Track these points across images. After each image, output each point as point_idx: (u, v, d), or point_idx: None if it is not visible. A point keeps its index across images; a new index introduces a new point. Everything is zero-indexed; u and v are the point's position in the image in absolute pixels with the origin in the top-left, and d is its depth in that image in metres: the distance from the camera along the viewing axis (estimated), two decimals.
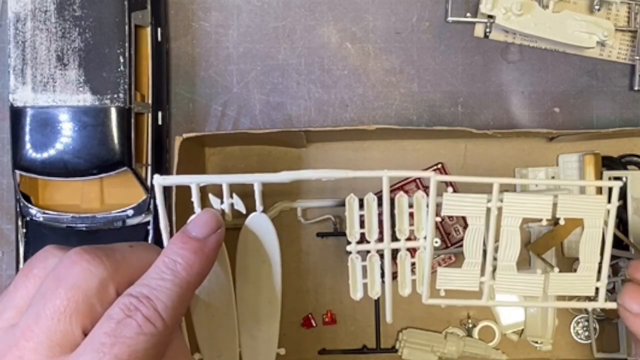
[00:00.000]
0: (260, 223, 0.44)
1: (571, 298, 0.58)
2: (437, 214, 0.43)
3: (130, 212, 0.58)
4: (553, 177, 0.61)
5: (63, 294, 0.34)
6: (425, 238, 0.43)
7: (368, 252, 0.45)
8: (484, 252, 0.43)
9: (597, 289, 0.45)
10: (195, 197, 0.42)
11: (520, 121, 0.62)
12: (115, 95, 0.56)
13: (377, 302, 0.61)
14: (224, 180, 0.42)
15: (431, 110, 0.62)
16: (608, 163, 0.60)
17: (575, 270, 0.60)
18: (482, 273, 0.44)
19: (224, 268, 0.44)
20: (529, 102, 0.62)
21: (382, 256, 0.45)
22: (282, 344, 0.63)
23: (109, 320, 0.34)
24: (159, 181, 0.41)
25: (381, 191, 0.62)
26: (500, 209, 0.42)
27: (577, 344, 0.62)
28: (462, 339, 0.61)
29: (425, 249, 0.43)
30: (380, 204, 0.44)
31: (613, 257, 0.59)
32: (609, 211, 0.42)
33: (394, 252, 0.45)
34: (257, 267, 0.44)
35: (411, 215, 0.44)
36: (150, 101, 0.59)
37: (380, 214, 0.44)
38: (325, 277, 0.62)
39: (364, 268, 0.45)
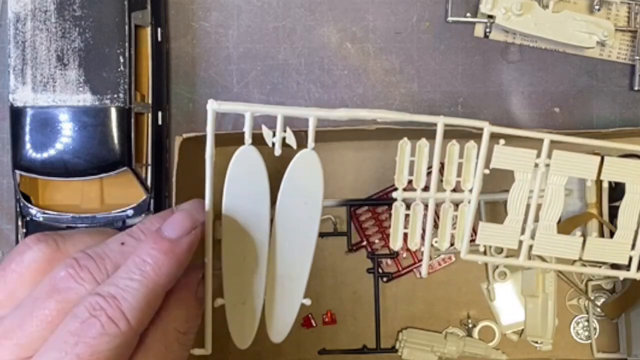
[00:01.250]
0: (309, 160, 0.42)
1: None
2: (486, 167, 0.43)
3: (130, 212, 0.58)
4: None
5: (53, 306, 0.35)
6: (470, 191, 0.42)
7: (409, 204, 0.44)
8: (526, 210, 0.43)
9: (630, 258, 0.44)
10: (247, 127, 0.41)
11: (520, 121, 0.62)
12: (115, 95, 0.56)
13: (377, 302, 0.61)
14: (280, 112, 0.41)
15: (431, 110, 0.62)
16: None
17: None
18: (522, 231, 0.43)
19: (265, 209, 0.42)
20: (529, 102, 0.62)
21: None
22: (282, 344, 0.63)
23: (74, 319, 0.34)
24: (213, 107, 0.41)
25: (378, 192, 0.62)
26: (547, 166, 0.42)
27: (577, 344, 0.62)
28: (462, 339, 0.61)
29: (470, 203, 0.42)
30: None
31: None
32: None
33: (437, 205, 0.44)
34: (298, 208, 0.42)
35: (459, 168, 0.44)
36: (150, 101, 0.59)
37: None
38: (325, 277, 0.62)
39: (406, 217, 0.44)
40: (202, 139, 0.59)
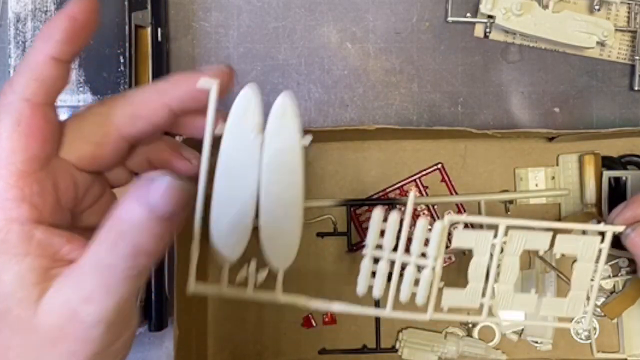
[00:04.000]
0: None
1: None
2: (449, 241, 0.46)
3: None
4: (553, 177, 0.61)
5: None
6: (435, 259, 0.46)
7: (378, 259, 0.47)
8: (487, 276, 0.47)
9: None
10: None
11: (520, 121, 0.62)
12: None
13: (377, 301, 0.61)
14: None
15: (431, 110, 0.62)
16: (608, 163, 0.60)
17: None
18: (484, 294, 0.47)
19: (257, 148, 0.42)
20: (529, 102, 0.62)
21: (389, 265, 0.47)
22: (282, 344, 0.63)
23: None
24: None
25: (378, 192, 0.62)
26: (504, 243, 0.46)
27: (577, 344, 0.62)
28: (462, 338, 0.61)
29: (434, 270, 0.46)
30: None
31: (613, 257, 0.60)
32: (600, 250, 0.46)
33: (403, 264, 0.47)
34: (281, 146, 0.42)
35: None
36: None
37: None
38: (325, 277, 0.62)
39: (374, 272, 0.47)
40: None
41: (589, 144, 0.61)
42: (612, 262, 0.60)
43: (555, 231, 0.46)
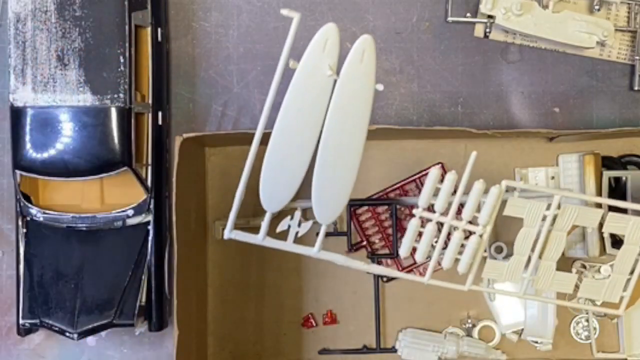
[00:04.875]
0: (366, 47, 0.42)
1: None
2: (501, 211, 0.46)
3: (130, 212, 0.58)
4: (553, 177, 0.61)
5: None
6: (484, 227, 0.45)
7: (425, 222, 0.46)
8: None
9: (621, 299, 0.48)
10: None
11: (520, 121, 0.62)
12: (116, 95, 0.56)
13: (377, 302, 0.61)
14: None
15: (431, 110, 0.62)
16: (608, 163, 0.60)
17: (574, 270, 0.60)
18: (525, 269, 0.46)
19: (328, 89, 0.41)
20: (529, 102, 0.62)
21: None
22: (282, 344, 0.63)
23: None
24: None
25: (378, 192, 0.62)
26: (554, 217, 0.46)
27: (577, 344, 0.62)
28: (462, 338, 0.61)
29: (481, 237, 0.45)
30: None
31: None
32: None
33: (450, 229, 0.46)
34: (352, 97, 0.42)
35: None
36: (150, 101, 0.59)
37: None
38: (325, 277, 0.62)
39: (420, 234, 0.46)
40: (202, 139, 0.60)
41: (589, 144, 0.61)
42: (612, 262, 0.60)
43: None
